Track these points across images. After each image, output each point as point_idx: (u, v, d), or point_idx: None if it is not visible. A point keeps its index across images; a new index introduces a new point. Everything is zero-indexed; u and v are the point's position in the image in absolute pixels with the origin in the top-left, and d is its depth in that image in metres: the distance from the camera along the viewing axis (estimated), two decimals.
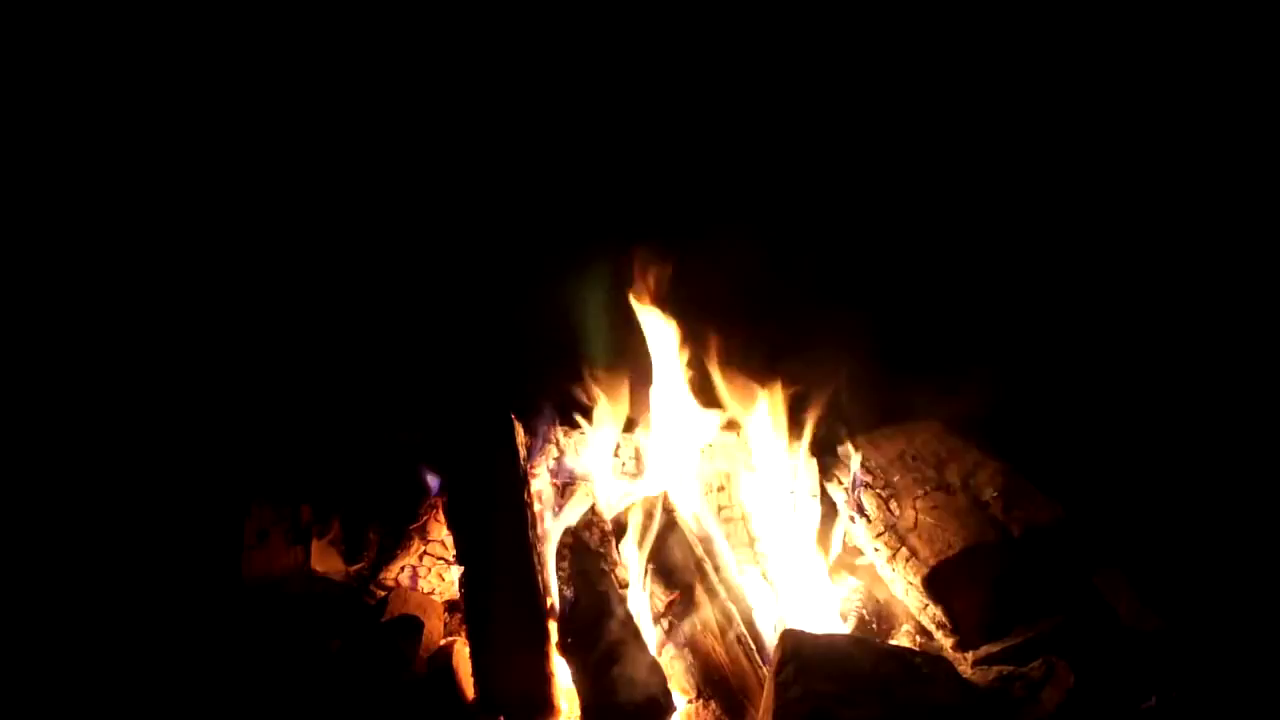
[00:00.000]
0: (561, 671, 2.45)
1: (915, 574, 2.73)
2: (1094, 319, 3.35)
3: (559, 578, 2.63)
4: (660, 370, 3.14)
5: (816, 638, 2.23)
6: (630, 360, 3.22)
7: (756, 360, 3.14)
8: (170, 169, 3.67)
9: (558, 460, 3.13)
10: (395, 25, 3.76)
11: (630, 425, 3.19)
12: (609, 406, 3.13)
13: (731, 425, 3.18)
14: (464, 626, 2.66)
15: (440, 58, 3.80)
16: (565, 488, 3.00)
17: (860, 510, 2.93)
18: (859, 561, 3.07)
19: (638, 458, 3.20)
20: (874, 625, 2.93)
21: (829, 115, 3.76)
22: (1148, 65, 3.48)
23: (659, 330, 3.13)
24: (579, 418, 3.16)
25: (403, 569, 2.92)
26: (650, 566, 2.70)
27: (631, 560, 2.75)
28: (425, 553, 2.93)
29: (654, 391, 3.13)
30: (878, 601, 2.98)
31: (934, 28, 3.65)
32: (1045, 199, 3.57)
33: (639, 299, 3.15)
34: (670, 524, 2.77)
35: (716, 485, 3.17)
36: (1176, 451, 2.94)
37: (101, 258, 3.54)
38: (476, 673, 2.45)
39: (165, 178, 3.67)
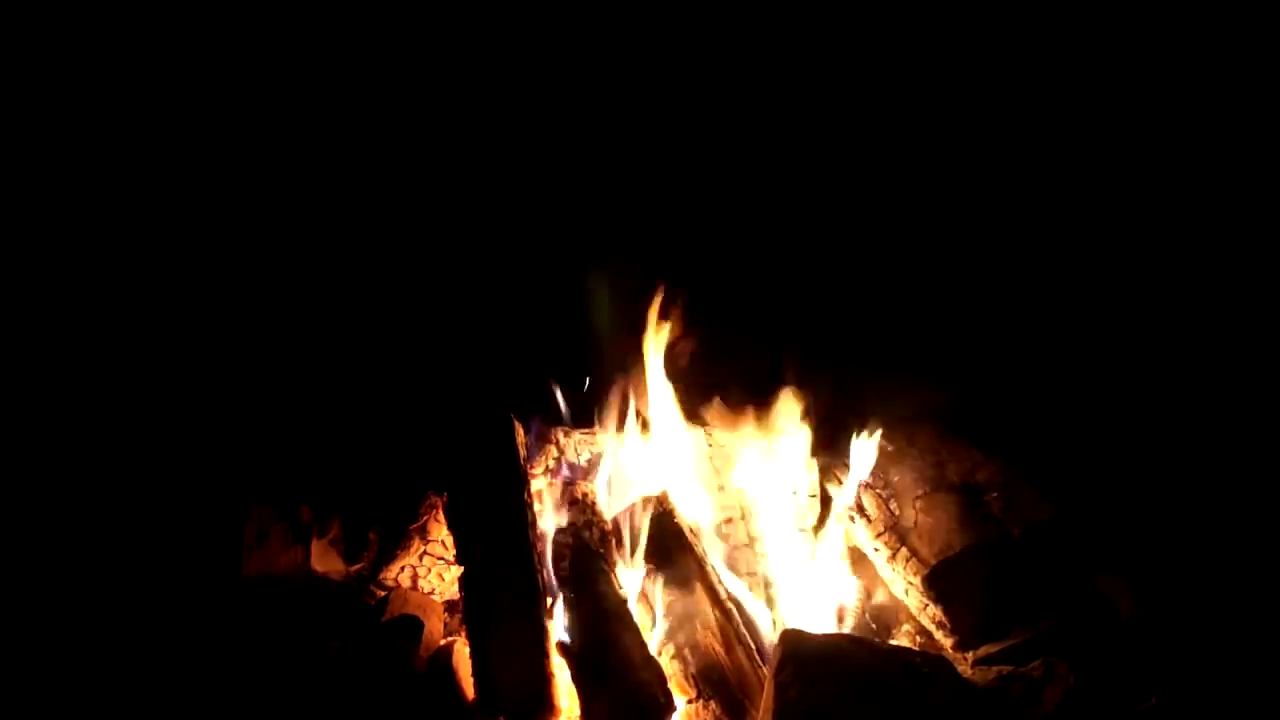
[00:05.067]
0: (561, 671, 2.45)
1: (915, 574, 2.73)
2: (1094, 318, 3.35)
3: (559, 578, 2.63)
4: (660, 371, 3.14)
5: (816, 638, 2.23)
6: (630, 361, 3.22)
7: (757, 360, 3.14)
8: (171, 170, 3.67)
9: (558, 460, 3.14)
10: (409, 27, 3.76)
11: (630, 425, 3.19)
12: (610, 407, 3.13)
13: (731, 425, 3.18)
14: (464, 626, 2.66)
15: (453, 63, 3.81)
16: (565, 487, 3.00)
17: (860, 510, 2.93)
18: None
19: (635, 458, 3.20)
20: (874, 625, 2.93)
21: (828, 117, 3.76)
22: (1144, 64, 3.48)
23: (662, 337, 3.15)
24: (579, 419, 3.17)
25: (403, 569, 2.92)
26: (650, 566, 2.70)
27: (631, 560, 2.75)
28: (425, 553, 2.93)
29: (653, 392, 3.14)
30: (878, 602, 2.98)
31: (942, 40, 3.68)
32: (1043, 198, 3.57)
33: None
34: (670, 524, 2.77)
35: (717, 486, 3.17)
36: (1176, 451, 2.93)
37: (102, 259, 3.54)
38: (476, 673, 2.45)
39: (166, 179, 3.67)
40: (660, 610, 2.61)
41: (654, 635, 2.57)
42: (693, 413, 3.18)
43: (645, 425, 3.15)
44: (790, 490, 3.04)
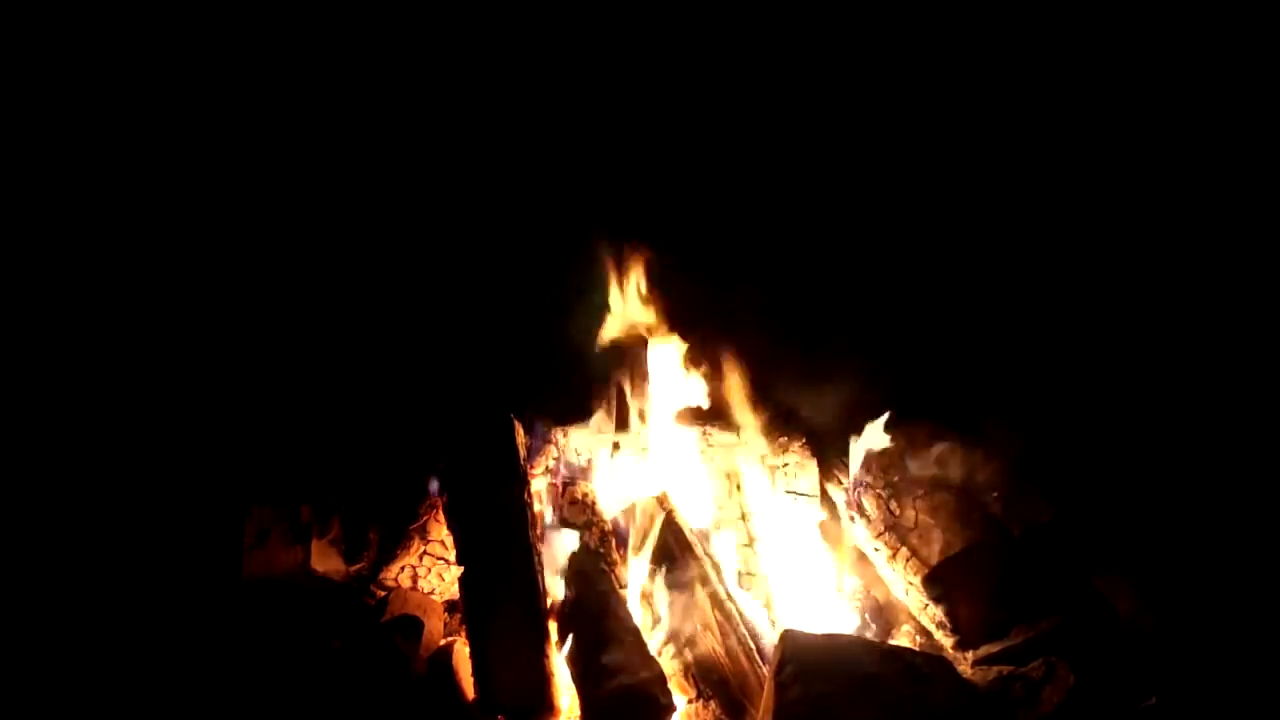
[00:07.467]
0: (561, 671, 2.45)
1: (915, 574, 2.72)
2: (1093, 320, 3.35)
3: (559, 577, 2.64)
4: (659, 371, 3.14)
5: (816, 638, 2.23)
6: (630, 361, 3.22)
7: (756, 362, 3.15)
8: (173, 170, 3.67)
9: (558, 460, 3.14)
10: (408, 28, 3.76)
11: (629, 426, 3.19)
12: (609, 407, 3.14)
13: (732, 426, 3.18)
14: (464, 626, 2.66)
15: (452, 62, 3.81)
16: (565, 488, 3.00)
17: (860, 510, 2.93)
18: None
19: (635, 458, 3.20)
20: (874, 625, 2.93)
21: (833, 121, 3.77)
22: (1147, 66, 3.48)
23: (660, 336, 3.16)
24: (578, 418, 3.17)
25: (403, 569, 2.92)
26: (650, 566, 2.70)
27: (631, 560, 2.75)
28: (425, 553, 2.93)
29: (654, 392, 3.14)
30: (878, 601, 2.98)
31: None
32: (1042, 200, 3.57)
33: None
34: (670, 524, 2.77)
35: (716, 485, 3.17)
36: (1176, 452, 2.93)
37: (104, 259, 3.54)
38: (476, 673, 2.45)
39: (168, 179, 3.67)
40: (661, 610, 2.61)
41: (654, 635, 2.58)
42: (691, 412, 3.19)
43: (644, 423, 3.16)
44: (789, 490, 3.04)
